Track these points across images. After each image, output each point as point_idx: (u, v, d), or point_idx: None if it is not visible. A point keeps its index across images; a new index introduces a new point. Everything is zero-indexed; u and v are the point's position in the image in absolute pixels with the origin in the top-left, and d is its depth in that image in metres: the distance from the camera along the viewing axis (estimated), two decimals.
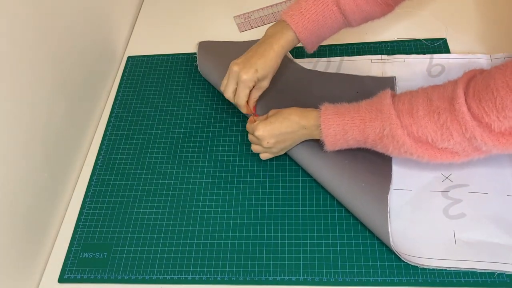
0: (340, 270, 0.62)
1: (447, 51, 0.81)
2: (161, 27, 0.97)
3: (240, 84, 0.67)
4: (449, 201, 0.65)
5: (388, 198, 0.64)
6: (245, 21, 0.94)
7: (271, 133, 0.66)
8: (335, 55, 0.84)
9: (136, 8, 1.01)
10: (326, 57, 0.84)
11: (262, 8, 0.95)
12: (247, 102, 0.70)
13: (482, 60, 0.78)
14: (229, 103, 0.81)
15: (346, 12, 0.68)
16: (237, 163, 0.74)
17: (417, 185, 0.67)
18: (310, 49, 0.72)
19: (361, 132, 0.61)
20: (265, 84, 0.69)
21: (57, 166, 0.72)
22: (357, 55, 0.84)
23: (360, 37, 0.86)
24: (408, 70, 0.80)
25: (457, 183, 0.67)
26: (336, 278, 0.61)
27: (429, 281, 0.60)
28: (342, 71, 0.82)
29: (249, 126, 0.70)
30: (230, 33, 0.92)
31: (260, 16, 0.94)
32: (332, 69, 0.82)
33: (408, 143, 0.58)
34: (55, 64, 0.72)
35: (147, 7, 1.01)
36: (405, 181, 0.68)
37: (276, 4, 0.96)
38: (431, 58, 0.80)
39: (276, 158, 0.74)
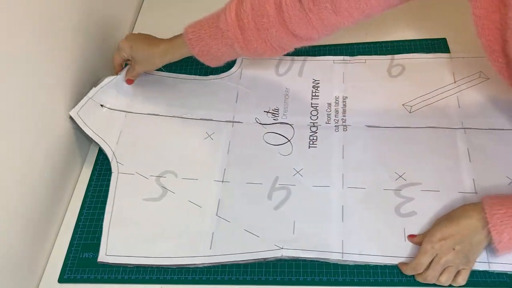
0: (340, 270, 0.62)
1: (447, 51, 0.82)
2: (161, 27, 0.96)
3: (117, 50, 0.76)
4: (401, 200, 0.65)
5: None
6: None
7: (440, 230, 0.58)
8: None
9: (136, 8, 1.01)
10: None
11: None
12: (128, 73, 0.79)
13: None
14: None
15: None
16: None
17: (370, 183, 0.68)
18: (213, 65, 0.73)
19: None
20: (139, 69, 0.76)
21: (57, 166, 0.72)
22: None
23: (360, 37, 0.86)
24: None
25: (410, 182, 0.67)
26: (336, 278, 0.61)
27: None
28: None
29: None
30: None
31: None
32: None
33: None
34: (55, 64, 0.71)
35: (147, 7, 1.01)
36: (358, 180, 0.68)
37: None
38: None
39: None
